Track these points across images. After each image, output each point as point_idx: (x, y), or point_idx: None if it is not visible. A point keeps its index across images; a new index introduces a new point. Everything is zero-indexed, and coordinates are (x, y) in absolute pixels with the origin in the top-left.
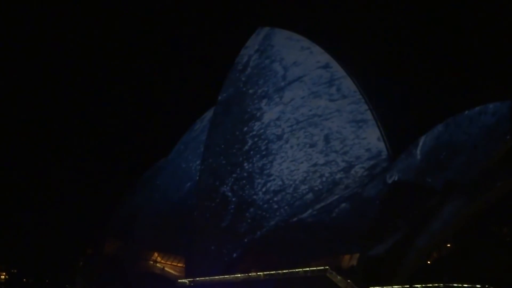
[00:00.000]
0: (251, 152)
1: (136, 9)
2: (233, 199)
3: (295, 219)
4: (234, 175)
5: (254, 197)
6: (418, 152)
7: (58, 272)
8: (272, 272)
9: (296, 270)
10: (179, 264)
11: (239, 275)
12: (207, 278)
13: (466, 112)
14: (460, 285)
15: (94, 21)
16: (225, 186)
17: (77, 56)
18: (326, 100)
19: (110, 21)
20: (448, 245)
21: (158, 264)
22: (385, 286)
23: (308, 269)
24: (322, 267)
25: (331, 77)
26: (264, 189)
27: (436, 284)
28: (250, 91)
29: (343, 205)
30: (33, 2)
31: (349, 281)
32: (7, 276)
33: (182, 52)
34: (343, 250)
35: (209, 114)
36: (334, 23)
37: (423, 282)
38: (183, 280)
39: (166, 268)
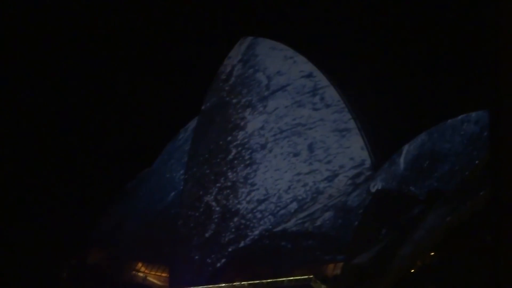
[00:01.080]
0: (235, 162)
1: (117, 18)
2: (217, 208)
3: (279, 228)
4: (218, 185)
5: (238, 206)
6: (402, 161)
7: (41, 283)
8: (256, 281)
9: (281, 279)
10: (163, 274)
11: (223, 284)
12: (191, 287)
13: (449, 121)
14: None
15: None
16: (209, 195)
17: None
18: (309, 109)
19: (86, 34)
20: (432, 253)
21: (141, 274)
22: None
23: (292, 278)
24: (307, 276)
25: (315, 86)
26: (248, 199)
27: None
28: (234, 100)
29: (327, 214)
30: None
31: None
32: None
33: (165, 62)
34: (327, 259)
35: (192, 123)
36: (317, 33)
37: None
38: None
39: (149, 278)
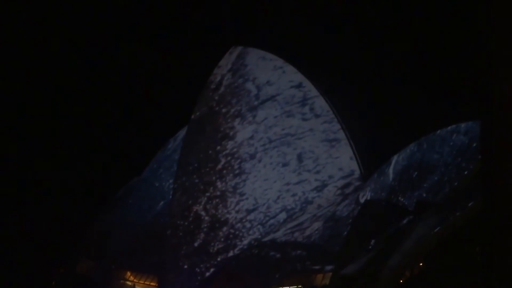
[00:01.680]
0: (224, 171)
1: (107, 26)
2: (206, 218)
3: (268, 238)
4: (207, 194)
5: (227, 216)
6: (391, 171)
7: None
8: None
9: None
10: (151, 283)
11: None
12: None
13: (438, 131)
14: None
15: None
16: (198, 205)
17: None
18: (299, 119)
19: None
20: (421, 264)
21: (130, 283)
22: None
23: None
24: (295, 286)
25: (304, 96)
26: (237, 208)
27: None
28: (223, 110)
29: (316, 224)
30: None
31: None
32: None
33: (155, 71)
34: (316, 269)
35: (182, 133)
36: (307, 43)
37: None
38: None
39: (138, 287)
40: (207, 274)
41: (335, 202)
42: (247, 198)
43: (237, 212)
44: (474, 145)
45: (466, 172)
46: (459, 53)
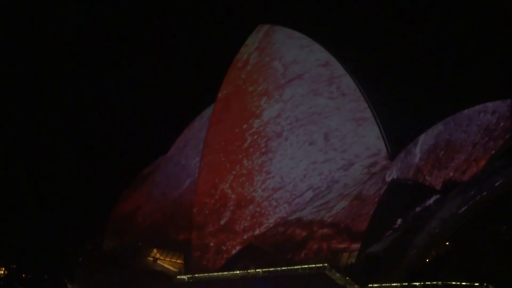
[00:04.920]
0: (251, 150)
1: (135, 6)
2: (232, 196)
3: (294, 216)
4: (234, 172)
5: (253, 194)
6: (418, 150)
7: (57, 268)
8: (270, 269)
9: (295, 267)
10: (178, 261)
11: (238, 272)
12: (205, 274)
13: (466, 110)
14: (459, 283)
15: (93, 17)
16: (224, 183)
17: (75, 51)
18: (325, 98)
19: (109, 19)
20: (447, 243)
21: (157, 261)
22: (384, 284)
23: (306, 266)
24: (321, 265)
25: (331, 75)
26: (263, 186)
27: (435, 282)
28: (250, 88)
29: (342, 203)
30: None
31: (347, 278)
32: (6, 272)
33: (182, 49)
34: (342, 248)
35: (208, 111)
36: (334, 21)
37: (422, 280)
38: (182, 277)
39: (165, 265)
40: (233, 252)
41: (362, 181)
42: (273, 177)
43: (263, 190)
44: (502, 124)
45: (493, 152)
46: (487, 32)
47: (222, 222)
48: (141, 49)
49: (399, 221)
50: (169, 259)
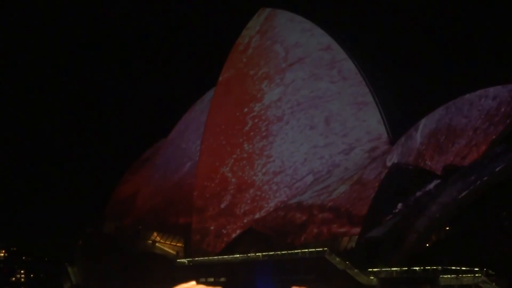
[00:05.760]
0: (251, 133)
1: None
2: (233, 179)
3: (294, 200)
4: (234, 156)
5: (254, 178)
6: (418, 135)
7: (57, 251)
8: (271, 253)
9: (295, 251)
10: (178, 244)
11: (238, 255)
12: (206, 258)
13: (467, 95)
14: (458, 268)
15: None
16: (225, 166)
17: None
18: (327, 82)
19: (109, 7)
20: (447, 228)
21: (157, 244)
22: (384, 268)
23: (306, 250)
24: (321, 249)
25: (333, 59)
26: (263, 170)
27: (435, 267)
28: (251, 72)
29: (343, 187)
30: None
31: (347, 263)
32: (6, 254)
33: (183, 32)
34: (342, 232)
35: (209, 94)
36: (336, 6)
37: (422, 264)
38: (182, 260)
39: (165, 248)
40: (233, 235)
41: (362, 165)
42: (274, 161)
43: (263, 174)
44: (503, 109)
45: (494, 137)
46: (489, 18)
47: (222, 206)
48: (143, 32)
49: (399, 205)
50: (169, 243)
